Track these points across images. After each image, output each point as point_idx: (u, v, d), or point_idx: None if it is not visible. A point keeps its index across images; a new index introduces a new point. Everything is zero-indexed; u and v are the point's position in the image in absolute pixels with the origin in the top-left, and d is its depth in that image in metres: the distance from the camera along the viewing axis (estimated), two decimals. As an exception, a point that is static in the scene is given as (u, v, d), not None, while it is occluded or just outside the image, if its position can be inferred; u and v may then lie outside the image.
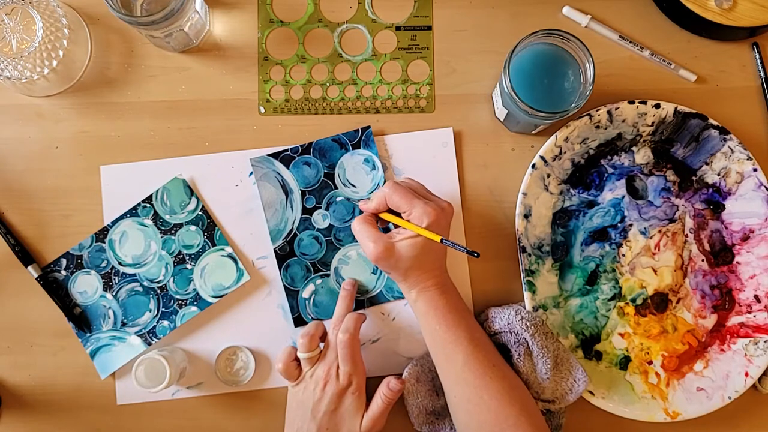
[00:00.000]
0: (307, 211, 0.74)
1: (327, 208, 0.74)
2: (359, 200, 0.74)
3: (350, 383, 0.67)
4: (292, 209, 0.74)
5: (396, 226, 0.67)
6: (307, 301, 0.73)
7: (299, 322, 0.73)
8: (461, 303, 0.68)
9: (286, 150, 0.74)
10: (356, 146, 0.74)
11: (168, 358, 0.68)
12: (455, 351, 0.65)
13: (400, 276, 0.67)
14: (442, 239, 0.64)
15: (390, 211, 0.68)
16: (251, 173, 0.74)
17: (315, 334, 0.69)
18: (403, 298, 0.73)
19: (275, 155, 0.74)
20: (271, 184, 0.74)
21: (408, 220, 0.65)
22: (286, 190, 0.74)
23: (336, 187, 0.74)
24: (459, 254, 0.74)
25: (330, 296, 0.73)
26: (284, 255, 0.73)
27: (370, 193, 0.74)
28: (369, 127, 0.74)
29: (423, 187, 0.69)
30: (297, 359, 0.69)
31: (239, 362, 0.73)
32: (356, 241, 0.73)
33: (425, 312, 0.67)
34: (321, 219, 0.74)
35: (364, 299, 0.73)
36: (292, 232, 0.74)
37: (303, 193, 0.74)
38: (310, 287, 0.73)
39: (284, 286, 0.73)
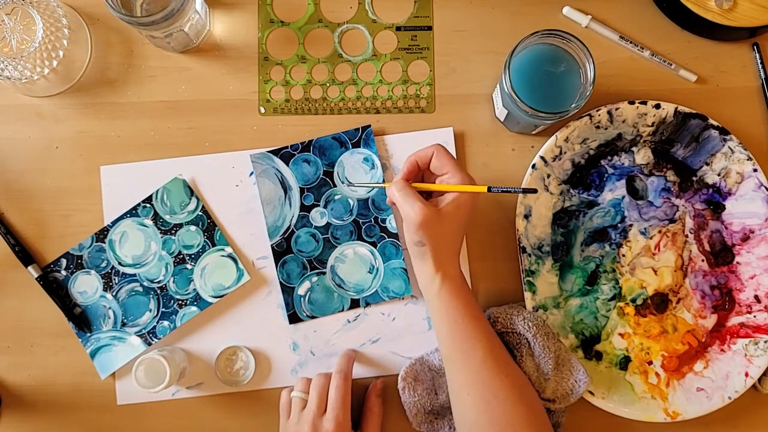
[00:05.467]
0: (305, 209, 0.74)
1: (325, 206, 0.74)
2: (359, 197, 0.74)
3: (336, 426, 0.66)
4: (290, 206, 0.74)
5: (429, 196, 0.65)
6: (302, 298, 0.73)
7: (294, 319, 0.73)
8: (475, 298, 0.66)
9: (286, 147, 0.74)
10: (356, 145, 0.74)
11: (168, 358, 0.68)
12: (475, 347, 0.62)
13: (432, 249, 0.62)
14: (489, 188, 0.61)
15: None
16: (251, 173, 0.74)
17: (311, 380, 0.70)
18: (401, 298, 0.73)
19: (275, 152, 0.74)
20: (270, 180, 0.74)
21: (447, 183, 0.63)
22: (285, 187, 0.74)
23: (335, 185, 0.74)
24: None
25: (325, 294, 0.73)
26: (281, 251, 0.73)
27: (369, 193, 0.74)
28: (369, 126, 0.74)
29: None
30: None
31: (239, 362, 0.73)
32: (353, 240, 0.73)
33: (448, 301, 0.63)
34: (319, 216, 0.74)
35: (360, 298, 0.73)
36: (290, 229, 0.74)
37: (302, 191, 0.74)
38: (306, 284, 0.73)
39: (280, 282, 0.73)
